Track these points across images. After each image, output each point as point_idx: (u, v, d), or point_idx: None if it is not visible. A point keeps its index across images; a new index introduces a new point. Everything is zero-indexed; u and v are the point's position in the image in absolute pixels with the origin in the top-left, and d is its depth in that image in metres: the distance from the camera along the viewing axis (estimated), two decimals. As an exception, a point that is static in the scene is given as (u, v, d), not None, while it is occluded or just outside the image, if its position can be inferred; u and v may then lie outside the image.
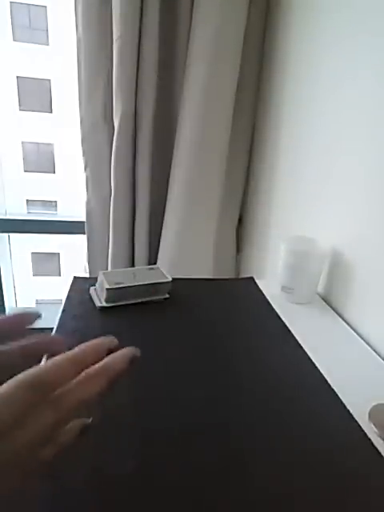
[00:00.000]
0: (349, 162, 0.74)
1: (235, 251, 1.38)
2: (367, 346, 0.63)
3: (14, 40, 8.91)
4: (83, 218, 1.29)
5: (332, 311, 0.75)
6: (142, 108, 1.13)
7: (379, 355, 0.61)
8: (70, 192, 9.04)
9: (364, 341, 0.64)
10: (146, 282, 0.70)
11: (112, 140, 1.15)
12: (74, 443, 0.28)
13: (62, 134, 9.27)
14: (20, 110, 9.24)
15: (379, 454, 0.41)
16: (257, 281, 0.84)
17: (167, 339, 0.61)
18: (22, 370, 0.24)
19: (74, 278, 0.78)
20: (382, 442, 0.43)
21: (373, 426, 0.45)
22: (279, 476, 0.38)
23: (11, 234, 1.57)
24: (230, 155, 1.19)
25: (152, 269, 0.75)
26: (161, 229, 1.24)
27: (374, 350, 0.62)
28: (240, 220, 1.35)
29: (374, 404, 0.48)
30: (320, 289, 0.81)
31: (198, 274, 0.87)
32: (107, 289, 0.66)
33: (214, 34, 1.03)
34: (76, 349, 0.27)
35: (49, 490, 0.35)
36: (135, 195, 1.23)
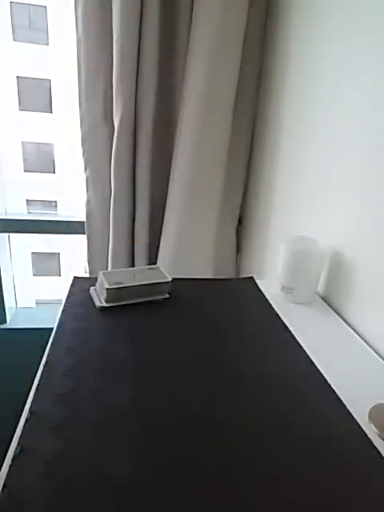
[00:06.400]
0: (349, 162, 0.74)
1: (235, 251, 1.38)
2: (367, 345, 0.63)
3: (14, 40, 8.92)
4: (83, 218, 1.29)
5: (332, 311, 0.75)
6: (142, 108, 1.13)
7: (379, 355, 0.61)
8: (70, 192, 9.04)
9: (364, 341, 0.64)
10: (146, 282, 0.70)
11: (112, 140, 1.15)
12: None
13: (62, 134, 9.27)
14: (20, 110, 9.24)
15: (379, 454, 0.41)
16: (257, 281, 0.84)
17: (167, 339, 0.61)
18: None
19: (74, 277, 0.78)
20: (381, 441, 0.43)
21: (373, 426, 0.45)
22: (279, 476, 0.38)
23: (11, 234, 1.57)
24: (230, 155, 1.19)
25: (152, 269, 0.75)
26: (161, 228, 1.24)
27: (374, 350, 0.62)
28: (240, 220, 1.35)
29: (374, 404, 0.48)
30: (320, 289, 0.81)
31: (197, 274, 0.87)
32: (107, 289, 0.66)
33: (214, 33, 1.03)
34: None
35: (49, 490, 0.35)
36: (135, 195, 1.23)
